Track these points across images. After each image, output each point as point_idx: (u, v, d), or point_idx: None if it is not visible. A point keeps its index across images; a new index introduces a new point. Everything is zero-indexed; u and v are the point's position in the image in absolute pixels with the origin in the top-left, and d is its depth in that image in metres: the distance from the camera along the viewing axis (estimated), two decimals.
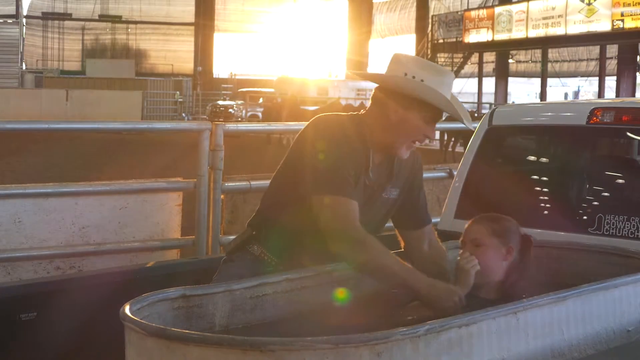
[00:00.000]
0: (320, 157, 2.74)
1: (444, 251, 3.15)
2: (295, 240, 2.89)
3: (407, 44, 45.66)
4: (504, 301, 2.63)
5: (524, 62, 42.24)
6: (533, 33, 27.44)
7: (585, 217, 3.77)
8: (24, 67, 48.67)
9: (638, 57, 29.54)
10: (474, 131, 4.27)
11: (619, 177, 4.06)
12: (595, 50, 34.55)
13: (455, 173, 4.42)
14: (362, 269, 2.77)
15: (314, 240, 2.83)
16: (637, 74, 30.13)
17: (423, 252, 3.08)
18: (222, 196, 5.09)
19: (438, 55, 34.86)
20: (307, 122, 2.91)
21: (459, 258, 2.89)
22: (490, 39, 29.80)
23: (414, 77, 2.80)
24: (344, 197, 2.70)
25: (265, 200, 3.04)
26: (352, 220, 2.70)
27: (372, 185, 2.88)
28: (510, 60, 35.92)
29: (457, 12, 34.73)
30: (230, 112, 31.70)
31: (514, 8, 28.82)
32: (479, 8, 33.16)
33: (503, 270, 2.92)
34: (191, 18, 48.49)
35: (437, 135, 24.82)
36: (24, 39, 50.20)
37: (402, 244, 3.13)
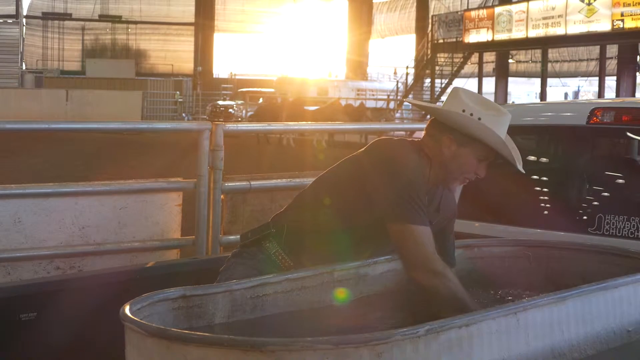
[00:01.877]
0: (399, 184, 2.76)
1: None
2: (318, 246, 2.88)
3: (407, 44, 45.70)
4: None
5: (524, 62, 42.25)
6: (533, 33, 27.44)
7: (585, 217, 3.77)
8: (24, 67, 48.71)
9: (638, 57, 29.55)
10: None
11: (619, 177, 4.06)
12: (595, 50, 34.56)
13: None
14: (438, 296, 2.77)
15: (332, 247, 2.86)
16: (637, 74, 30.14)
17: None
18: (222, 196, 5.09)
19: (438, 55, 34.88)
20: (370, 145, 2.91)
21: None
22: (490, 39, 29.80)
23: (471, 114, 2.82)
24: (424, 226, 2.76)
25: (303, 202, 3.01)
26: (433, 251, 2.76)
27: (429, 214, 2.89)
28: (510, 60, 35.93)
29: (457, 12, 34.73)
30: (230, 112, 31.70)
31: (514, 8, 28.82)
32: (479, 8, 33.16)
33: None
34: (191, 18, 48.48)
35: None
36: (24, 39, 50.24)
37: None
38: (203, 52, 45.56)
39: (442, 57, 35.17)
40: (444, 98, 38.42)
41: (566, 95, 48.53)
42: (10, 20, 47.77)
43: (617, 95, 29.07)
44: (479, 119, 2.81)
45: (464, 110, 2.83)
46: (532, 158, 4.54)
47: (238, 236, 3.16)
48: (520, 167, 2.99)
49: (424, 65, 35.61)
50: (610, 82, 31.39)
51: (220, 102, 34.77)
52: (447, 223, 3.07)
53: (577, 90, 48.55)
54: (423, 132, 2.97)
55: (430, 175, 2.88)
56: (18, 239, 4.51)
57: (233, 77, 48.43)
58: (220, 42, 50.08)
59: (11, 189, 4.68)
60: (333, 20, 52.37)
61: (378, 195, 2.79)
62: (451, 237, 3.13)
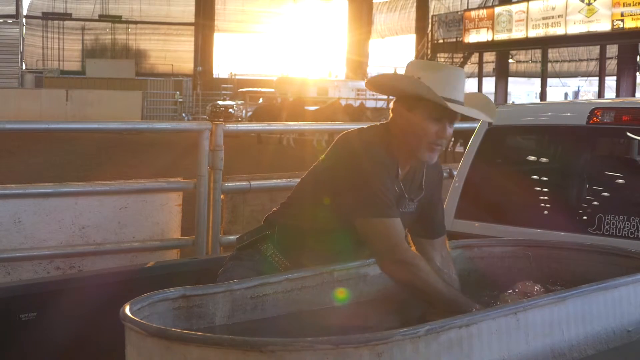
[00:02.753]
0: (359, 180, 2.75)
1: (452, 263, 3.14)
2: (312, 245, 2.89)
3: (407, 44, 45.69)
4: None
5: (524, 62, 42.25)
6: (533, 33, 27.44)
7: (585, 217, 3.77)
8: (24, 67, 48.70)
9: (638, 57, 29.55)
10: (477, 129, 4.27)
11: (619, 177, 4.06)
12: (595, 50, 34.57)
13: (455, 173, 4.42)
14: (408, 286, 2.77)
15: (327, 245, 2.86)
16: (637, 74, 30.14)
17: (435, 261, 3.07)
18: (222, 196, 5.09)
19: (438, 55, 34.87)
20: (336, 141, 2.91)
21: (507, 293, 2.93)
22: (490, 39, 29.80)
23: (411, 76, 2.81)
24: (389, 218, 2.74)
25: (290, 201, 3.02)
26: (401, 241, 2.75)
27: (398, 198, 2.89)
28: (510, 60, 35.93)
29: (457, 12, 34.73)
30: (230, 112, 31.68)
31: (514, 8, 28.82)
32: (479, 8, 33.16)
33: None
34: (191, 18, 48.47)
35: None
36: (24, 39, 50.24)
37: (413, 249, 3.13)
38: (203, 52, 45.55)
39: (442, 57, 35.16)
40: None
41: (566, 95, 48.53)
42: (10, 20, 47.77)
43: (617, 95, 29.08)
44: (419, 78, 2.79)
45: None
46: (532, 158, 4.55)
47: (238, 236, 3.16)
48: (487, 118, 2.98)
49: None
50: (610, 82, 31.39)
51: (220, 102, 34.74)
52: (434, 195, 3.07)
53: (577, 90, 48.55)
54: None
55: (399, 155, 2.85)
56: (18, 239, 4.52)
57: (233, 77, 48.40)
58: (220, 42, 50.08)
59: (11, 189, 4.68)
60: (333, 20, 52.37)
61: (340, 194, 2.79)
62: (439, 207, 3.12)
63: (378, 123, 2.99)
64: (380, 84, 2.93)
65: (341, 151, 2.86)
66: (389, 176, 2.79)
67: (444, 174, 6.05)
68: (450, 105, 2.77)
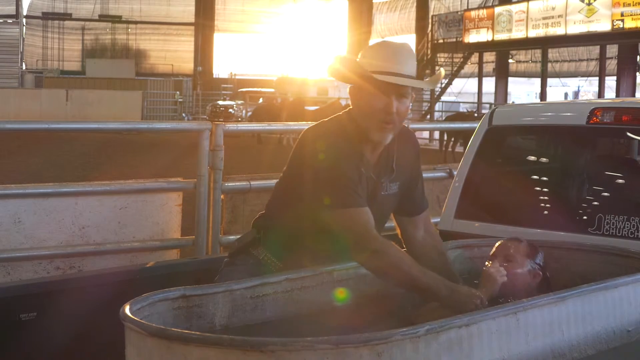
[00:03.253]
0: (321, 174, 2.76)
1: (438, 236, 3.16)
2: (299, 244, 2.89)
3: None
4: None
5: (524, 62, 42.23)
6: (533, 33, 27.42)
7: (585, 217, 3.77)
8: (24, 67, 48.69)
9: (638, 57, 29.53)
10: (477, 129, 4.27)
11: (619, 177, 4.06)
12: (595, 50, 34.55)
13: (455, 173, 4.42)
14: (382, 274, 2.78)
15: (318, 243, 2.85)
16: (637, 74, 30.12)
17: (418, 238, 3.09)
18: (222, 196, 5.09)
19: (438, 55, 34.86)
20: (298, 138, 2.92)
21: (488, 265, 2.95)
22: (490, 39, 29.78)
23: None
24: (355, 207, 2.73)
25: (270, 204, 3.04)
26: (369, 229, 2.73)
27: (373, 183, 2.89)
28: (510, 60, 35.91)
29: (457, 12, 34.71)
30: (230, 112, 31.66)
31: (513, 8, 28.80)
32: (479, 8, 33.14)
33: (527, 290, 2.96)
34: (191, 18, 48.44)
35: (437, 135, 24.84)
36: (24, 39, 50.22)
37: (398, 230, 3.14)
38: (203, 52, 45.51)
39: (442, 57, 35.14)
40: (444, 98, 38.18)
41: (566, 95, 48.50)
42: (10, 20, 47.76)
43: (617, 95, 29.06)
44: (362, 58, 2.84)
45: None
46: (532, 158, 4.55)
47: (238, 236, 3.17)
48: (425, 86, 3.07)
49: (424, 65, 35.55)
50: (610, 82, 31.37)
51: (220, 102, 34.71)
52: (413, 172, 3.06)
53: (577, 90, 48.53)
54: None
55: (363, 140, 2.85)
56: (18, 239, 4.52)
57: (233, 77, 48.39)
58: (220, 42, 50.02)
59: (11, 189, 4.68)
60: (333, 20, 52.34)
61: (304, 190, 2.81)
62: (419, 183, 3.11)
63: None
64: (333, 69, 2.91)
65: (299, 148, 2.88)
66: (350, 164, 2.77)
67: (443, 174, 6.01)
68: (381, 76, 2.76)
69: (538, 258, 3.08)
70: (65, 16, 53.80)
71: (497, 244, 3.11)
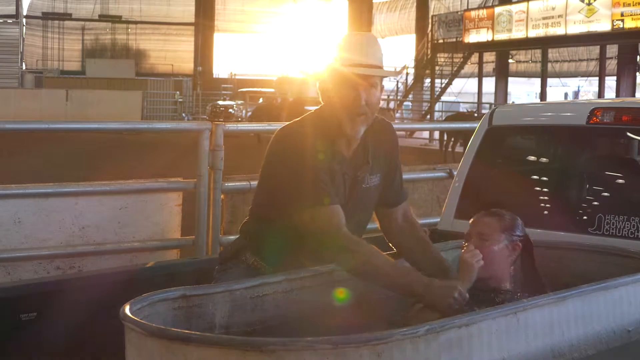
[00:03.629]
0: (290, 173, 2.77)
1: (417, 224, 3.14)
2: (287, 246, 2.89)
3: (407, 44, 45.66)
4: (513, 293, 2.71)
5: (524, 62, 42.21)
6: (533, 33, 27.42)
7: (585, 217, 3.77)
8: (24, 67, 48.67)
9: (638, 57, 29.53)
10: (477, 129, 4.27)
11: (619, 177, 4.06)
12: (595, 50, 34.55)
13: (455, 173, 4.42)
14: (355, 273, 2.78)
15: (303, 244, 2.85)
16: (637, 74, 30.11)
17: (396, 228, 3.08)
18: (222, 196, 5.09)
19: (438, 55, 34.86)
20: (273, 135, 2.94)
21: (463, 251, 2.91)
22: (490, 39, 29.77)
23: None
24: (323, 205, 2.73)
25: (253, 208, 3.05)
26: (337, 227, 2.72)
27: (352, 177, 2.89)
28: (510, 60, 35.90)
29: (457, 12, 34.70)
30: (230, 112, 31.66)
31: (513, 8, 28.79)
32: (479, 8, 33.14)
33: (508, 265, 2.94)
34: (191, 18, 48.44)
35: (437, 135, 24.84)
36: (24, 39, 50.20)
37: (377, 222, 3.13)
38: (203, 52, 45.51)
39: (442, 57, 35.14)
40: (444, 98, 38.16)
41: (566, 95, 48.48)
42: (10, 20, 47.74)
43: (617, 95, 29.05)
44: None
45: None
46: (532, 158, 4.55)
47: (220, 251, 3.18)
48: (390, 74, 2.99)
49: (424, 65, 35.57)
50: (610, 82, 31.37)
51: (220, 102, 34.72)
52: (391, 163, 3.05)
53: (577, 90, 48.51)
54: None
55: (334, 134, 2.85)
56: (18, 239, 4.52)
57: (233, 77, 48.37)
58: (220, 42, 50.01)
59: (11, 189, 4.68)
60: (333, 20, 52.33)
61: (276, 191, 2.84)
62: (397, 174, 3.09)
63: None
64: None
65: (269, 150, 2.92)
66: (317, 162, 2.77)
67: (443, 174, 6.01)
68: (347, 68, 2.76)
69: (515, 229, 3.01)
70: (65, 16, 53.78)
71: (470, 221, 3.05)
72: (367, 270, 2.71)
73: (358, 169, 2.91)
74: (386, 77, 2.92)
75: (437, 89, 34.77)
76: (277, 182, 2.84)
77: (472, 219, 3.06)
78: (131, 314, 2.24)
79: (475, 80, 34.78)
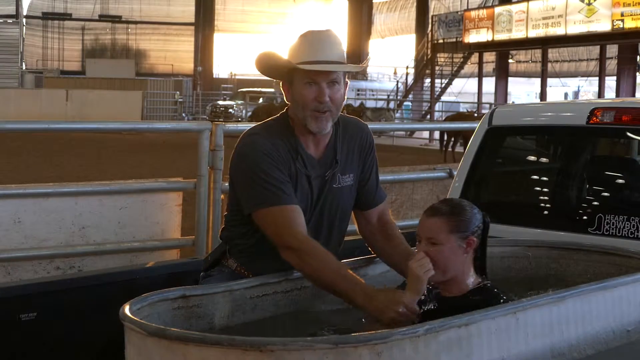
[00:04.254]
0: (244, 176, 2.81)
1: (391, 224, 3.10)
2: (261, 251, 2.88)
3: (407, 44, 45.65)
4: (469, 298, 2.60)
5: (524, 62, 42.19)
6: (533, 33, 27.41)
7: (585, 217, 3.77)
8: (24, 67, 48.66)
9: (638, 57, 29.52)
10: (477, 129, 4.27)
11: (619, 177, 4.06)
12: (595, 50, 34.53)
13: (455, 173, 4.42)
14: (304, 275, 2.77)
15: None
16: (637, 74, 30.11)
17: (367, 231, 3.07)
18: (222, 196, 5.09)
19: (438, 55, 34.86)
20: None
21: (413, 257, 2.66)
22: (490, 39, 29.77)
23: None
24: (276, 205, 2.74)
25: (226, 214, 3.06)
26: (288, 228, 2.73)
27: (320, 177, 2.90)
28: (510, 60, 35.90)
29: (457, 12, 34.69)
30: (230, 112, 31.67)
31: (513, 8, 28.79)
32: (479, 8, 33.13)
33: (465, 264, 2.69)
34: (191, 18, 48.45)
35: (437, 135, 24.83)
36: (24, 39, 50.19)
37: (355, 223, 3.12)
38: (203, 52, 45.53)
39: (442, 57, 35.14)
40: (444, 98, 38.17)
41: (566, 95, 48.47)
42: (10, 20, 47.75)
43: (617, 95, 29.04)
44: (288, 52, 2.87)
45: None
46: (532, 158, 4.55)
47: (203, 259, 3.19)
48: (351, 69, 2.90)
49: (424, 65, 35.57)
50: (610, 82, 31.36)
51: (220, 102, 34.73)
52: (365, 164, 3.03)
53: (577, 90, 48.50)
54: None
55: (299, 133, 2.87)
56: (18, 239, 4.52)
57: (233, 77, 48.36)
58: (220, 42, 50.02)
59: (11, 189, 4.68)
60: (333, 21, 52.33)
61: (236, 193, 2.87)
62: (372, 176, 3.06)
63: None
64: (260, 66, 2.94)
65: (233, 152, 2.94)
66: (272, 163, 2.78)
67: (443, 174, 6.01)
68: (307, 66, 2.76)
69: (467, 224, 2.69)
70: (65, 16, 53.76)
71: (420, 221, 2.78)
72: (311, 273, 2.69)
73: (327, 168, 2.92)
74: (347, 71, 2.88)
75: (437, 89, 34.77)
76: (236, 186, 2.89)
77: (420, 218, 2.77)
78: (131, 314, 2.24)
79: (475, 80, 34.77)
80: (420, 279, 2.56)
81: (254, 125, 2.98)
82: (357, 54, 42.83)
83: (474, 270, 2.74)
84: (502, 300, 2.58)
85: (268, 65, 2.89)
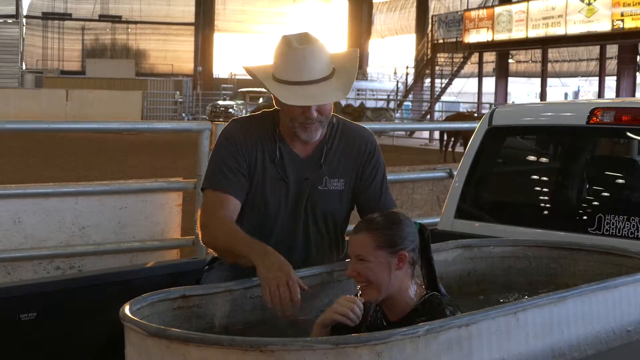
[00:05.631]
0: (210, 158, 2.97)
1: None
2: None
3: (407, 44, 45.66)
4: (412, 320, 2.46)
5: (524, 62, 42.22)
6: (533, 33, 27.42)
7: (585, 217, 3.77)
8: (24, 67, 48.69)
9: (638, 57, 29.52)
10: (477, 129, 4.27)
11: (619, 177, 4.06)
12: (595, 50, 34.54)
13: (455, 173, 4.42)
14: (211, 249, 2.90)
15: (274, 239, 2.89)
16: (637, 74, 30.11)
17: None
18: None
19: (438, 55, 34.87)
20: None
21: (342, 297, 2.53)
22: (490, 39, 29.78)
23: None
24: (212, 190, 2.87)
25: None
26: (209, 209, 2.85)
27: (299, 178, 2.91)
28: (510, 60, 35.91)
29: (457, 12, 34.70)
30: (230, 112, 31.68)
31: (513, 8, 28.80)
32: (479, 8, 33.14)
33: (401, 281, 2.55)
34: (191, 18, 48.46)
35: (437, 135, 24.83)
36: (24, 39, 50.23)
37: None
38: (203, 52, 45.54)
39: (442, 57, 35.15)
40: (444, 98, 38.18)
41: (566, 95, 48.49)
42: (10, 20, 47.78)
43: (617, 95, 29.05)
44: (273, 65, 2.86)
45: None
46: (532, 158, 4.55)
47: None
48: (334, 98, 2.84)
49: (424, 65, 35.58)
50: (610, 82, 31.37)
51: (220, 102, 34.73)
52: (360, 174, 3.00)
53: (577, 90, 48.51)
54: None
55: (283, 132, 2.92)
56: (18, 239, 4.52)
57: (233, 77, 48.37)
58: (220, 42, 50.03)
59: (11, 189, 4.68)
60: (333, 21, 52.35)
61: None
62: (374, 185, 3.02)
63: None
64: (251, 75, 2.96)
65: None
66: (232, 151, 2.87)
67: (443, 174, 5.99)
68: (289, 100, 2.74)
69: (396, 239, 2.55)
70: (65, 16, 53.78)
71: (349, 238, 2.67)
72: (215, 244, 2.82)
73: (310, 171, 2.93)
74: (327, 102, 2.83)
75: (437, 89, 34.78)
76: None
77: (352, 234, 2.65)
78: (131, 314, 2.24)
79: (475, 80, 34.79)
80: (333, 318, 2.46)
81: (246, 115, 3.08)
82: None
83: (423, 283, 2.64)
84: (448, 314, 2.46)
85: (255, 76, 2.92)
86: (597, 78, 30.85)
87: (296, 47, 2.79)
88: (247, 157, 2.88)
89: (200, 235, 2.87)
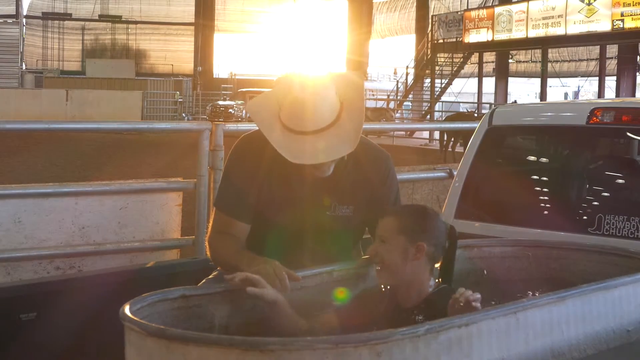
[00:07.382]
0: (223, 175, 3.05)
1: None
2: (259, 247, 2.89)
3: (407, 44, 45.68)
4: (425, 308, 2.57)
5: (524, 62, 42.25)
6: (533, 33, 27.43)
7: (585, 217, 3.77)
8: (24, 67, 48.71)
9: (638, 57, 29.55)
10: (477, 129, 4.28)
11: (619, 177, 4.06)
12: (595, 50, 34.57)
13: (455, 173, 4.42)
14: (215, 263, 3.01)
15: (274, 246, 2.90)
16: (637, 74, 30.13)
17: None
18: None
19: (438, 55, 34.88)
20: None
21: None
22: (490, 39, 29.79)
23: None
24: (218, 210, 2.97)
25: None
26: (216, 228, 2.96)
27: (308, 198, 2.88)
28: (510, 60, 35.93)
29: (457, 12, 34.72)
30: (230, 112, 31.67)
31: (513, 8, 28.81)
32: (479, 8, 33.16)
33: (418, 272, 2.63)
34: (191, 18, 48.46)
35: (437, 135, 24.84)
36: (24, 39, 50.24)
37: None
38: (203, 52, 45.52)
39: (442, 57, 35.16)
40: (444, 98, 38.19)
41: (566, 95, 48.52)
42: (10, 20, 47.79)
43: (617, 95, 29.07)
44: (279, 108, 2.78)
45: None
46: (532, 158, 4.55)
47: None
48: (291, 158, 2.72)
49: (424, 65, 35.59)
50: (610, 82, 31.39)
51: (220, 102, 34.72)
52: (372, 198, 2.96)
53: (577, 90, 48.52)
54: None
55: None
56: (18, 239, 4.52)
57: (233, 77, 48.38)
58: (220, 42, 50.04)
59: (11, 189, 4.68)
60: (333, 20, 52.34)
61: None
62: (387, 204, 2.98)
63: None
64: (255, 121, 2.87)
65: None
66: (245, 172, 2.90)
67: (443, 174, 5.98)
68: (292, 159, 2.68)
69: (420, 229, 2.62)
70: (65, 16, 53.81)
71: None
72: (217, 261, 2.96)
73: (319, 195, 2.90)
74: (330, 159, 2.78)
75: (437, 89, 34.78)
76: None
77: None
78: (131, 314, 2.24)
79: (475, 80, 34.81)
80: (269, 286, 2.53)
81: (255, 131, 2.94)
82: (357, 54, 42.85)
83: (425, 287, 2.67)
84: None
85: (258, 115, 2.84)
86: (597, 78, 30.88)
87: (300, 95, 2.71)
88: (257, 178, 2.87)
89: (207, 250, 3.02)
